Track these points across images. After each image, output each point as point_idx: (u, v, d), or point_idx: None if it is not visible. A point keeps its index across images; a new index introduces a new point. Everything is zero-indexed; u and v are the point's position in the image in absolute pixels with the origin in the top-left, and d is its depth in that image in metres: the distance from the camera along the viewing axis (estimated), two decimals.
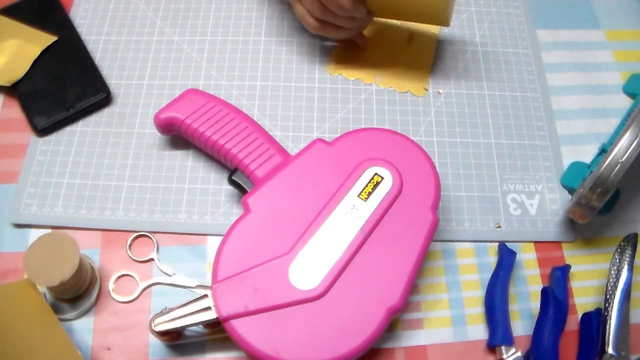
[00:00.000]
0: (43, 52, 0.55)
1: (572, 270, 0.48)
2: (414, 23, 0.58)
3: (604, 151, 0.52)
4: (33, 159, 0.51)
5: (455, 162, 0.53)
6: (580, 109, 0.57)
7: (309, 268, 0.41)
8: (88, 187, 0.50)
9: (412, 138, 0.47)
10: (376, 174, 0.45)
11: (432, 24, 0.54)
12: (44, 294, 0.45)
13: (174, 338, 0.43)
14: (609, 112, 0.57)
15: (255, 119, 0.50)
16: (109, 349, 0.44)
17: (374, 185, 0.44)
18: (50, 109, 0.52)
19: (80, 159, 0.52)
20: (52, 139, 0.52)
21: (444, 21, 0.52)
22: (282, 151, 0.47)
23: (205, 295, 0.41)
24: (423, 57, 0.58)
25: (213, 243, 0.49)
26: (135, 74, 0.56)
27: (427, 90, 0.56)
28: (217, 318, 0.40)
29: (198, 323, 0.41)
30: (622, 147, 0.43)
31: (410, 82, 0.56)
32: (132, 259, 0.48)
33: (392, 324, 0.46)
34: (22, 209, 0.49)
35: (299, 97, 0.55)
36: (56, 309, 0.45)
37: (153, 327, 0.40)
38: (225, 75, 0.56)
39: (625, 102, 0.58)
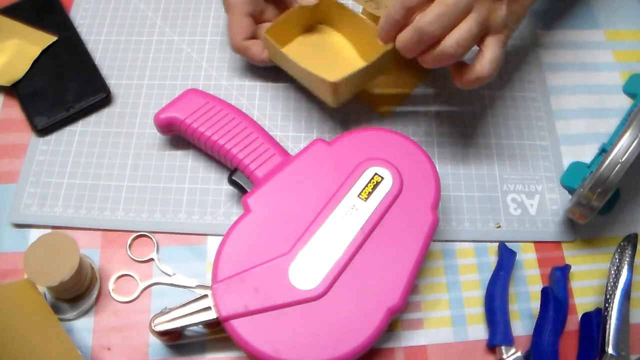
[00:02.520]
0: (43, 52, 0.55)
1: (572, 270, 0.49)
2: None
3: (604, 151, 0.52)
4: (33, 159, 0.51)
5: (455, 162, 0.53)
6: (580, 109, 0.57)
7: (309, 268, 0.41)
8: (88, 187, 0.50)
9: (412, 138, 0.47)
10: (376, 174, 0.45)
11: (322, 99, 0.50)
12: (44, 294, 0.45)
13: (174, 338, 0.43)
14: (609, 112, 0.57)
15: (255, 119, 0.50)
16: (109, 349, 0.44)
17: (374, 185, 0.44)
18: (50, 109, 0.52)
19: (80, 159, 0.52)
20: (52, 139, 0.52)
21: (330, 102, 0.49)
22: (282, 151, 0.47)
23: (205, 295, 0.41)
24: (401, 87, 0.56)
25: (213, 243, 0.49)
26: (135, 74, 0.56)
27: (391, 112, 0.55)
28: (217, 318, 0.40)
29: (198, 323, 0.41)
30: (622, 147, 0.43)
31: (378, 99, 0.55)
32: (132, 259, 0.48)
33: (392, 324, 0.46)
34: (22, 209, 0.49)
35: (299, 97, 0.55)
36: (56, 309, 0.45)
37: (153, 327, 0.40)
38: (225, 75, 0.56)
39: (625, 102, 0.58)
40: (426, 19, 0.41)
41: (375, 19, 0.49)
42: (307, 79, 0.49)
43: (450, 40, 0.42)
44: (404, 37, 0.43)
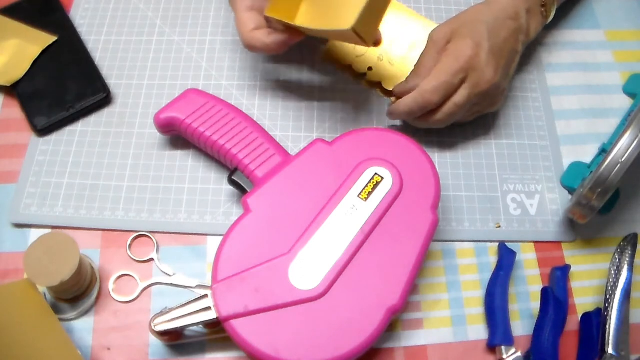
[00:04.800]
0: (43, 52, 0.55)
1: (572, 270, 0.49)
2: (424, 27, 0.57)
3: (604, 151, 0.52)
4: (33, 159, 0.51)
5: (455, 162, 0.53)
6: (580, 109, 0.57)
7: (309, 268, 0.41)
8: (88, 187, 0.50)
9: (412, 138, 0.47)
10: (376, 174, 0.45)
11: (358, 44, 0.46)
12: (44, 294, 0.45)
13: (174, 338, 0.43)
14: (609, 112, 0.57)
15: (255, 119, 0.50)
16: (109, 349, 0.44)
17: (374, 185, 0.44)
18: (50, 109, 0.52)
19: (80, 159, 0.52)
20: (52, 139, 0.52)
21: (364, 44, 0.44)
22: (282, 151, 0.47)
23: (205, 295, 0.41)
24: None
25: (213, 243, 0.49)
26: (135, 74, 0.56)
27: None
28: (217, 318, 0.40)
29: (198, 323, 0.41)
30: (622, 147, 0.43)
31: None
32: (132, 259, 0.48)
33: (392, 324, 0.46)
34: (22, 209, 0.49)
35: (299, 97, 0.55)
36: (56, 309, 0.45)
37: (153, 327, 0.40)
38: (225, 75, 0.56)
39: (625, 102, 0.58)
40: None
41: None
42: (332, 37, 0.49)
43: (442, 115, 0.50)
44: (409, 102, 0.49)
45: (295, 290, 0.40)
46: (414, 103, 0.49)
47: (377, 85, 0.56)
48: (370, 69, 0.56)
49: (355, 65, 0.56)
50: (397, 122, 0.54)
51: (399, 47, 0.56)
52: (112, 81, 0.55)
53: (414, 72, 0.51)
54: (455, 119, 0.51)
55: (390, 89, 0.55)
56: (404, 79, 0.51)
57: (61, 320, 0.45)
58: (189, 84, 0.56)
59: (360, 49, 0.56)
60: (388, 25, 0.58)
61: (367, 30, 0.44)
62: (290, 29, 0.47)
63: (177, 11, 0.60)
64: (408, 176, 0.45)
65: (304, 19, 0.49)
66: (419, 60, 0.51)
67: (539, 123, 0.56)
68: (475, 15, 0.50)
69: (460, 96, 0.49)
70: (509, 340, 0.45)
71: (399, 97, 0.52)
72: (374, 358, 0.45)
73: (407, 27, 0.58)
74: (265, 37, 0.47)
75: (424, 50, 0.51)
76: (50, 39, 0.56)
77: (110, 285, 0.47)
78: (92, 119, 0.54)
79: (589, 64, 0.60)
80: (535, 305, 0.47)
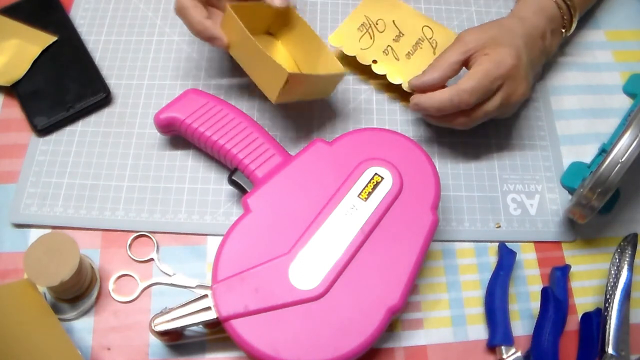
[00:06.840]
0: (43, 52, 0.55)
1: (572, 270, 0.49)
2: (431, 27, 0.57)
3: (604, 151, 0.52)
4: (33, 159, 0.51)
5: (455, 162, 0.53)
6: (580, 109, 0.57)
7: (309, 268, 0.41)
8: (88, 187, 0.50)
9: (412, 138, 0.47)
10: (376, 174, 0.45)
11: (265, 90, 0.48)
12: (44, 294, 0.45)
13: (174, 338, 0.43)
14: (609, 112, 0.57)
15: (255, 119, 0.50)
16: (109, 349, 0.44)
17: (374, 185, 0.44)
18: (50, 109, 0.52)
19: (80, 159, 0.52)
20: (52, 139, 0.52)
21: (273, 94, 0.46)
22: (282, 151, 0.47)
23: (205, 295, 0.41)
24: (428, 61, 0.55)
25: (213, 243, 0.49)
26: (135, 74, 0.56)
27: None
28: (217, 318, 0.40)
29: (198, 323, 0.41)
30: (622, 147, 0.43)
31: (406, 77, 0.54)
32: (132, 259, 0.48)
33: (392, 324, 0.46)
34: (22, 209, 0.49)
35: None
36: (56, 309, 0.45)
37: (153, 327, 0.40)
38: (225, 75, 0.56)
39: (625, 102, 0.58)
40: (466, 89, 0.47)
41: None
42: (259, 66, 0.47)
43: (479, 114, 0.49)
44: (442, 98, 0.48)
45: (295, 290, 0.40)
46: (448, 100, 0.47)
47: (382, 79, 0.56)
48: (375, 61, 0.55)
49: (360, 57, 0.55)
50: (409, 116, 0.54)
51: (405, 44, 0.56)
52: (112, 81, 0.55)
53: (432, 66, 0.50)
54: (478, 123, 0.50)
55: (394, 82, 0.54)
56: (416, 74, 0.51)
57: (61, 320, 0.45)
58: (189, 84, 0.56)
59: (364, 42, 0.56)
60: (395, 22, 0.57)
61: (290, 90, 0.46)
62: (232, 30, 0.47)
63: None
64: (408, 176, 0.45)
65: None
66: (440, 55, 0.50)
67: (539, 123, 0.56)
68: (510, 28, 0.50)
69: (492, 104, 0.48)
70: (509, 340, 0.45)
71: (414, 90, 0.51)
72: (374, 358, 0.45)
73: (412, 26, 0.57)
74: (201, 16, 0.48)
75: (448, 47, 0.50)
76: (50, 39, 0.56)
77: (110, 285, 0.47)
78: (92, 119, 0.54)
79: (589, 64, 0.60)
80: (535, 305, 0.47)
